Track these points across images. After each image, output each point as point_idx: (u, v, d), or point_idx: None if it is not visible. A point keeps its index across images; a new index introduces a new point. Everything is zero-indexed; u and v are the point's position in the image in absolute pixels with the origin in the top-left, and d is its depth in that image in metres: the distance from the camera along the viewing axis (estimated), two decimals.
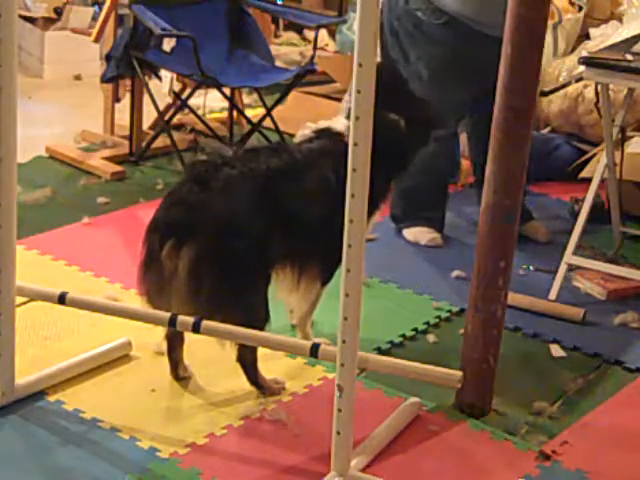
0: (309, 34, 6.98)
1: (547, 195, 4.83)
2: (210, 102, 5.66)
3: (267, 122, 4.96)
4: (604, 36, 5.20)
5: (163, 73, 5.29)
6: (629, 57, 3.62)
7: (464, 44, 3.97)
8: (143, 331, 3.26)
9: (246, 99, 5.77)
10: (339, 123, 3.22)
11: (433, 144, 3.96)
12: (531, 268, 4.06)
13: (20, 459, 2.76)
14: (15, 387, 2.97)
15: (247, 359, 3.08)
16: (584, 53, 3.88)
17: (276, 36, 7.09)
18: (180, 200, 2.97)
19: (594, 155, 4.80)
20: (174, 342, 3.15)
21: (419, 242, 4.25)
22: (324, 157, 3.12)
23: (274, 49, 5.81)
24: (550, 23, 5.21)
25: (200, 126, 5.26)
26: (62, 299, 3.08)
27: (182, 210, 2.93)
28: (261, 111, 5.14)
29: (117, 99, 5.19)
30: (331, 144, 3.15)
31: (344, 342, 2.54)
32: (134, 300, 3.55)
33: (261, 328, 2.95)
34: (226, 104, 5.46)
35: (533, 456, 2.90)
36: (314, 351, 2.83)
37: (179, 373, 3.17)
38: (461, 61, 4.01)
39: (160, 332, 3.19)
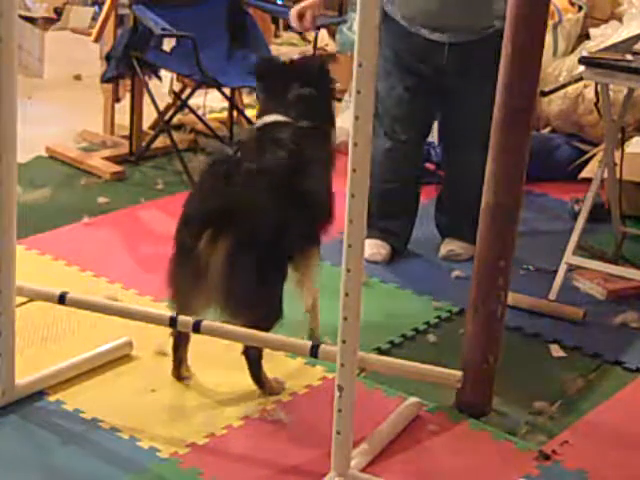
0: (309, 34, 6.98)
1: (547, 195, 4.82)
2: (210, 102, 5.66)
3: None
4: (604, 36, 5.20)
5: (163, 73, 5.29)
6: (629, 57, 3.61)
7: (398, 44, 3.94)
8: (143, 331, 3.26)
9: (246, 99, 5.76)
10: (273, 117, 3.26)
11: (393, 148, 3.96)
12: (531, 268, 4.06)
13: (20, 459, 2.76)
14: (15, 387, 2.97)
15: (253, 354, 3.08)
16: (584, 53, 3.87)
17: (276, 36, 7.08)
18: (213, 193, 3.01)
19: (594, 155, 4.80)
20: (180, 341, 3.16)
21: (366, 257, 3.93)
22: (311, 143, 3.20)
23: (274, 49, 5.80)
24: (550, 23, 5.21)
25: (200, 126, 5.26)
26: (62, 299, 3.08)
27: (217, 201, 2.96)
28: None
29: (117, 99, 5.19)
30: (305, 130, 3.22)
31: (344, 342, 2.54)
32: (134, 300, 3.56)
33: (278, 321, 3.03)
34: (226, 104, 5.46)
35: (533, 456, 2.90)
36: (314, 351, 2.83)
37: (181, 372, 3.17)
38: (400, 61, 3.97)
39: (160, 332, 3.19)
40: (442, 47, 3.85)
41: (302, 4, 3.87)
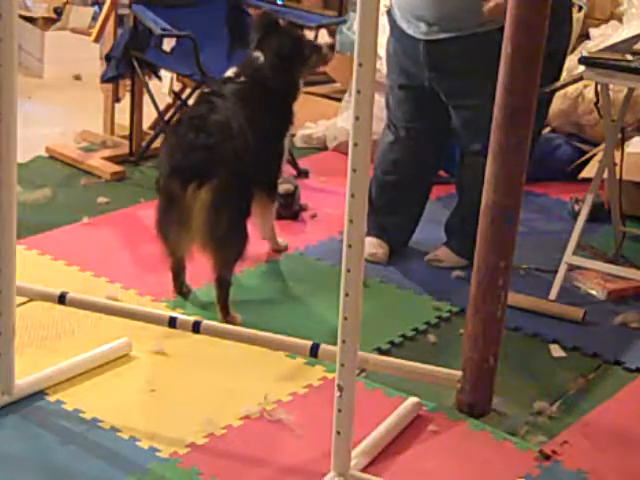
0: (309, 34, 6.98)
1: (547, 195, 4.83)
2: None
3: None
4: (604, 36, 5.20)
5: (163, 73, 5.29)
6: (629, 57, 3.61)
7: (394, 39, 3.93)
8: (143, 331, 3.26)
9: None
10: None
11: (394, 140, 4.00)
12: (531, 268, 4.06)
13: (20, 459, 2.76)
14: (15, 387, 2.97)
15: (226, 281, 3.48)
16: (584, 53, 3.86)
17: None
18: (191, 147, 3.38)
19: (594, 155, 4.80)
20: (178, 271, 3.64)
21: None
22: (253, 96, 3.75)
23: None
24: None
25: None
26: (62, 299, 3.08)
27: (198, 156, 3.36)
28: None
29: (117, 99, 5.19)
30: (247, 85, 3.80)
31: (344, 342, 2.54)
32: (134, 300, 3.57)
33: (244, 251, 3.52)
34: None
35: (533, 456, 2.90)
36: (314, 351, 2.83)
37: (182, 290, 3.65)
38: (396, 58, 3.96)
39: (160, 332, 3.20)
40: (419, 43, 3.77)
41: None
